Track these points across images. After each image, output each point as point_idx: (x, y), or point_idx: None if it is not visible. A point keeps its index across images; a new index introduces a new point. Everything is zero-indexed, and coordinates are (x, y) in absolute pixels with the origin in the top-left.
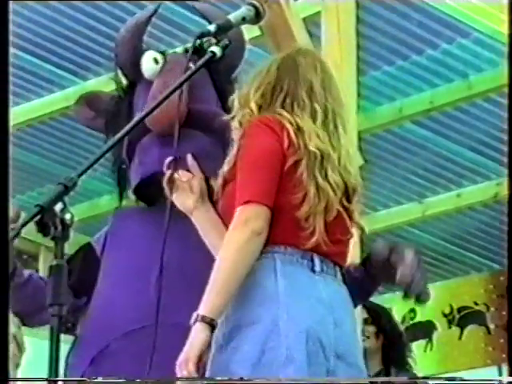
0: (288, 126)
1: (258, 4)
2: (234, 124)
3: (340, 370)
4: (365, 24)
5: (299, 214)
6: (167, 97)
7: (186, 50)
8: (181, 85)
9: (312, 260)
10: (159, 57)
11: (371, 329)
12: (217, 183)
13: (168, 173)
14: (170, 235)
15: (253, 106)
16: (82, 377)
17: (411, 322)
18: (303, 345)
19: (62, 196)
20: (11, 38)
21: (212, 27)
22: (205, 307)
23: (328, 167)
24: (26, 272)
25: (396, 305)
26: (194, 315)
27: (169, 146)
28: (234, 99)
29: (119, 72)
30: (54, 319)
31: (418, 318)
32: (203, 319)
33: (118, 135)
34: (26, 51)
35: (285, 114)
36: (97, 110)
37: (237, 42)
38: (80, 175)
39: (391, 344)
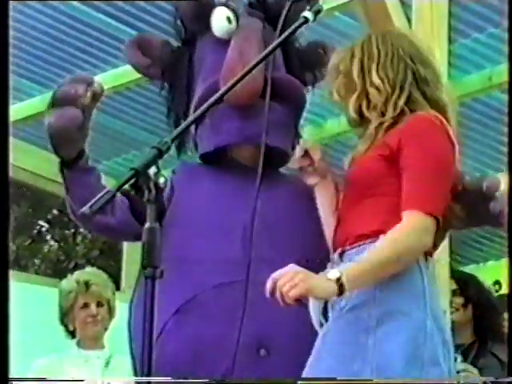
0: (450, 130)
1: None
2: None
3: (454, 370)
4: None
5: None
6: (254, 67)
7: (250, 5)
8: (268, 55)
9: (428, 257)
10: (232, 15)
11: (459, 300)
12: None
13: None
14: (252, 197)
15: (377, 81)
16: (164, 328)
17: (497, 295)
18: (441, 348)
19: (156, 160)
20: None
21: None
22: (347, 274)
23: None
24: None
25: (480, 276)
26: (336, 273)
27: (249, 119)
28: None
29: (178, 23)
30: (148, 281)
31: (504, 291)
32: (339, 282)
33: (208, 103)
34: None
35: (439, 115)
36: (152, 57)
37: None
38: (173, 139)
39: (482, 315)
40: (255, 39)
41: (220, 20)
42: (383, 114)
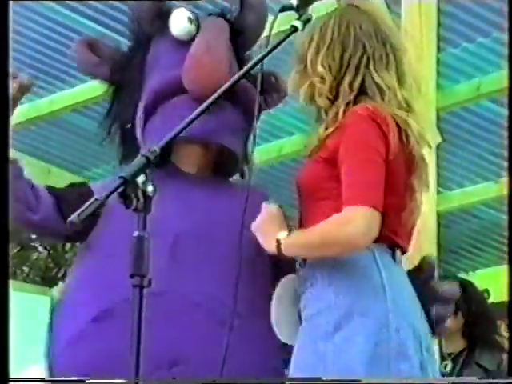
0: (391, 123)
1: None
2: (291, 86)
3: (428, 363)
4: (445, 0)
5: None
6: (248, 71)
7: (220, 15)
8: (261, 60)
9: (393, 249)
10: (192, 16)
11: None
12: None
13: None
14: (190, 206)
15: (321, 70)
16: (80, 335)
17: None
18: (411, 340)
19: (144, 168)
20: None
21: (294, 1)
22: (285, 243)
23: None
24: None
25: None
26: (281, 235)
27: (205, 115)
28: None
29: (133, 25)
30: (135, 290)
31: (492, 299)
32: (278, 243)
33: (202, 107)
34: None
35: (385, 106)
36: (101, 56)
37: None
38: (162, 148)
39: (473, 322)
40: (223, 36)
41: (180, 20)
42: (333, 102)
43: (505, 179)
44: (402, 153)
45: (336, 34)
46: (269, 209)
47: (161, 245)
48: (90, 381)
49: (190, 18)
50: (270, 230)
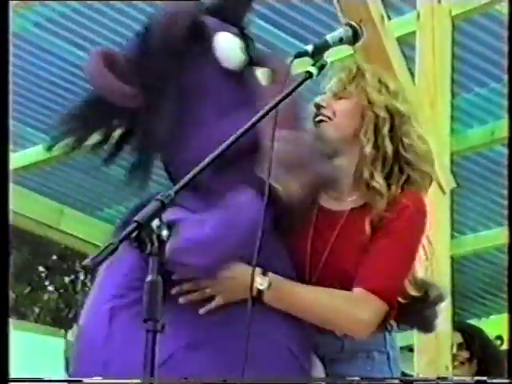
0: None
1: (356, 25)
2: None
3: None
4: (458, 45)
5: None
6: (258, 121)
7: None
8: (271, 109)
9: None
10: (244, 46)
11: (465, 354)
12: None
13: None
14: None
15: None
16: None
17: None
18: None
19: (159, 212)
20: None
21: (309, 47)
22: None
23: None
24: None
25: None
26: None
27: None
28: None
29: (162, 43)
30: (148, 334)
31: (506, 346)
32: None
33: (224, 146)
34: None
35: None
36: (124, 78)
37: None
38: (177, 192)
39: (486, 370)
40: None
41: (233, 48)
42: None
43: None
44: None
45: None
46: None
47: None
48: (104, 381)
49: (242, 49)
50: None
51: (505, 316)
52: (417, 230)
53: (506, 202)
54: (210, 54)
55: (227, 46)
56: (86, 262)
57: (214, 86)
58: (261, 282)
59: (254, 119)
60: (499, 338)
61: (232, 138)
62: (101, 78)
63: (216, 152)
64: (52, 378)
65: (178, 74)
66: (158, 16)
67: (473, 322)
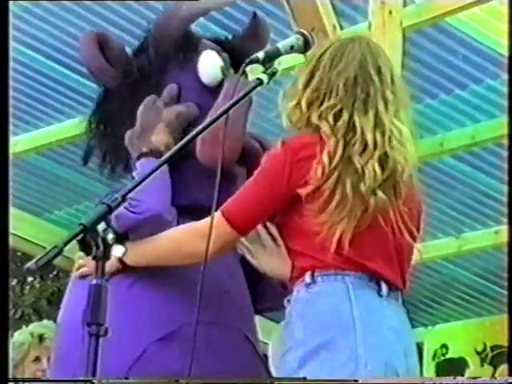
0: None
1: (306, 33)
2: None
3: None
4: (409, 56)
5: None
6: (212, 123)
7: (215, 40)
8: (223, 113)
9: (378, 284)
10: (224, 65)
11: None
12: None
13: None
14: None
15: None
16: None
17: (443, 358)
18: (382, 374)
19: (105, 216)
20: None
21: (260, 55)
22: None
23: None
24: None
25: (428, 340)
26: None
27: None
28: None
29: (151, 43)
30: (92, 338)
31: (450, 355)
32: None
33: (170, 153)
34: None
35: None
36: (109, 60)
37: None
38: (124, 196)
39: None
40: (243, 109)
41: (213, 66)
42: None
43: (466, 234)
44: None
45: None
46: None
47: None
48: (113, 381)
49: (223, 70)
50: None
51: (450, 325)
52: (273, 166)
53: (454, 213)
54: (192, 64)
55: (209, 65)
56: (30, 264)
57: (187, 92)
58: (117, 250)
59: (202, 125)
60: (444, 346)
61: (179, 145)
62: (86, 50)
63: (163, 158)
64: (51, 378)
65: (160, 75)
66: (158, 17)
67: (419, 330)
